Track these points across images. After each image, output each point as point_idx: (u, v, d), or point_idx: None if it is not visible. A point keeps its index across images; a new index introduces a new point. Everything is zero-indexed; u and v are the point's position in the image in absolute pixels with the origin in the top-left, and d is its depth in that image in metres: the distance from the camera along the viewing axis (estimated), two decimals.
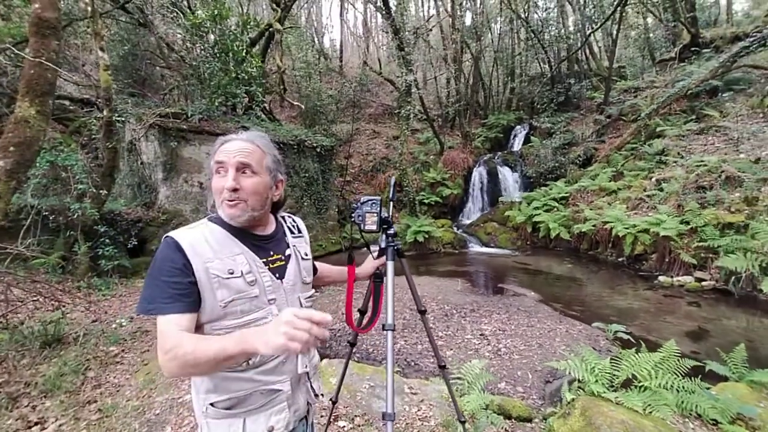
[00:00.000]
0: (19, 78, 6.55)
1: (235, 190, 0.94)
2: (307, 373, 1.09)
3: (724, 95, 9.51)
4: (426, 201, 11.94)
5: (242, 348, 0.77)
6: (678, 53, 12.32)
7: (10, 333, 3.67)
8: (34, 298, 4.53)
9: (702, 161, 7.42)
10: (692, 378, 2.55)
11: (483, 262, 8.97)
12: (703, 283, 5.94)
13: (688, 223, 6.58)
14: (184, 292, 0.86)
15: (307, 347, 0.72)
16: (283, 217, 1.18)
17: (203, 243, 0.92)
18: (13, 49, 4.93)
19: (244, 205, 0.96)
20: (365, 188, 13.02)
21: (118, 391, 2.97)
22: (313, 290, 1.20)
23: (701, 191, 6.98)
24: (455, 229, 11.32)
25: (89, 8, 5.22)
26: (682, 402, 2.39)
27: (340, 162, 12.42)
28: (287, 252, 1.09)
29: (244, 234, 0.99)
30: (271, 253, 1.04)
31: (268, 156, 1.02)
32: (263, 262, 1.00)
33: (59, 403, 2.76)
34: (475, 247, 10.28)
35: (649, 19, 15.11)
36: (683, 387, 2.46)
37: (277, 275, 1.03)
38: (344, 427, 2.39)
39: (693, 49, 11.70)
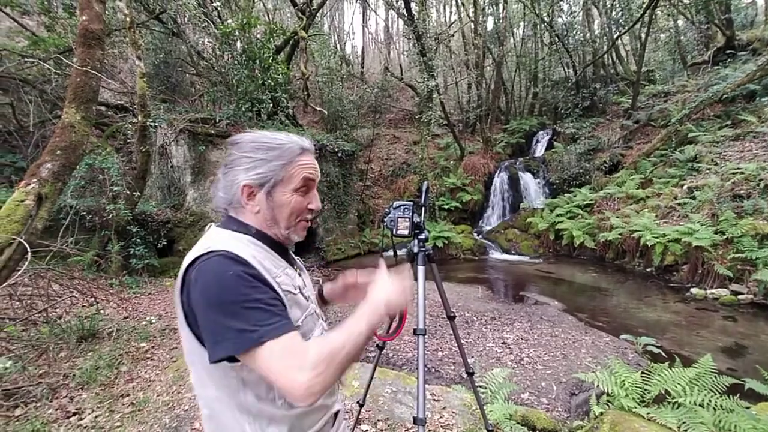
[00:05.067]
0: (62, 86, 6.98)
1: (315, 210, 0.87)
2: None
3: (762, 100, 9.06)
4: (446, 206, 11.87)
5: (379, 318, 0.77)
6: (711, 56, 11.84)
7: (50, 327, 3.87)
8: (72, 294, 4.77)
9: (739, 168, 7.09)
10: (730, 396, 2.43)
11: (503, 270, 8.83)
12: (740, 297, 5.66)
13: (723, 233, 6.29)
14: (285, 308, 0.75)
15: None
16: None
17: (260, 255, 0.79)
18: (62, 57, 5.22)
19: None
20: (385, 193, 13.07)
21: (149, 386, 3.09)
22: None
23: (738, 200, 6.67)
24: (475, 235, 11.21)
25: (128, 19, 5.50)
26: (720, 421, 2.28)
27: (360, 167, 12.52)
28: (296, 263, 0.98)
29: (279, 247, 0.88)
30: (294, 266, 0.92)
31: None
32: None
33: (95, 395, 2.89)
34: (496, 254, 10.13)
35: (680, 22, 14.60)
36: (721, 405, 2.34)
37: None
38: (367, 430, 2.40)
39: (728, 51, 11.23)
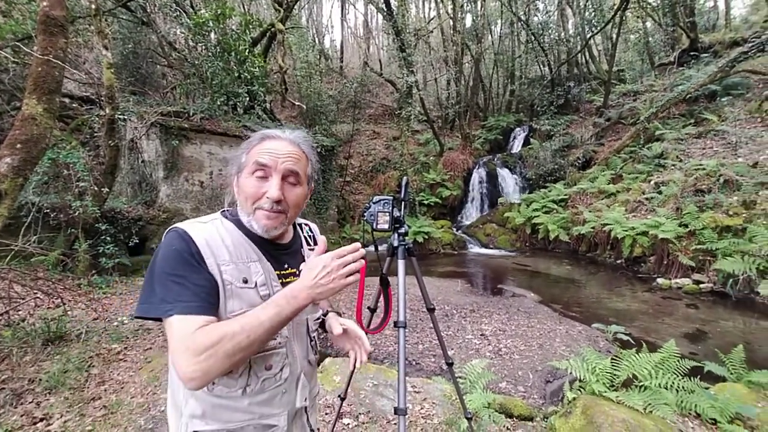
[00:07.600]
0: (20, 75, 6.57)
1: (279, 201, 0.84)
2: (306, 407, 0.97)
3: (722, 100, 9.59)
4: (425, 202, 11.97)
5: (295, 305, 0.74)
6: (677, 57, 12.43)
7: (12, 330, 3.67)
8: (36, 295, 4.53)
9: (701, 165, 7.49)
10: (691, 378, 2.59)
11: (482, 263, 9.00)
12: (701, 286, 6.00)
13: (686, 225, 6.64)
14: (210, 293, 0.76)
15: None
16: (300, 225, 1.08)
17: (219, 242, 0.81)
18: (20, 45, 4.91)
19: (284, 218, 0.87)
20: (365, 188, 13.05)
21: (122, 388, 2.98)
22: (321, 311, 1.07)
23: (700, 194, 7.05)
24: (454, 230, 11.37)
25: (93, 6, 5.22)
26: (682, 401, 2.43)
27: (340, 162, 12.44)
28: (302, 266, 0.94)
29: (262, 240, 0.89)
30: (286, 265, 0.93)
31: (310, 163, 0.96)
32: (277, 274, 0.90)
33: (64, 399, 2.77)
34: (475, 248, 10.32)
35: (649, 24, 15.22)
36: (683, 387, 2.49)
37: None
38: (349, 424, 2.42)
39: (692, 53, 11.80)
